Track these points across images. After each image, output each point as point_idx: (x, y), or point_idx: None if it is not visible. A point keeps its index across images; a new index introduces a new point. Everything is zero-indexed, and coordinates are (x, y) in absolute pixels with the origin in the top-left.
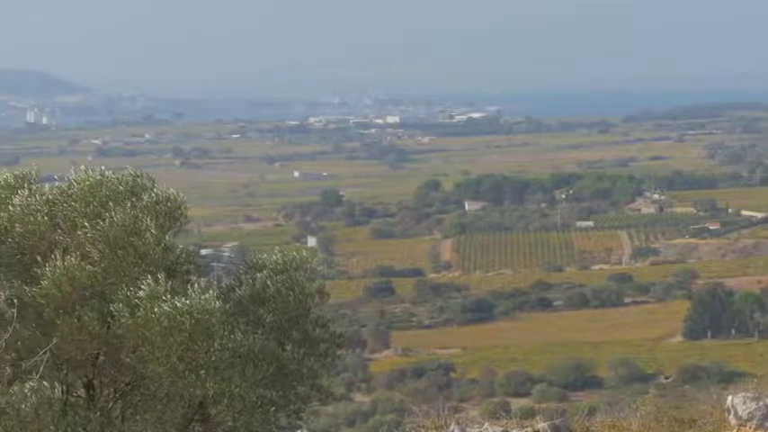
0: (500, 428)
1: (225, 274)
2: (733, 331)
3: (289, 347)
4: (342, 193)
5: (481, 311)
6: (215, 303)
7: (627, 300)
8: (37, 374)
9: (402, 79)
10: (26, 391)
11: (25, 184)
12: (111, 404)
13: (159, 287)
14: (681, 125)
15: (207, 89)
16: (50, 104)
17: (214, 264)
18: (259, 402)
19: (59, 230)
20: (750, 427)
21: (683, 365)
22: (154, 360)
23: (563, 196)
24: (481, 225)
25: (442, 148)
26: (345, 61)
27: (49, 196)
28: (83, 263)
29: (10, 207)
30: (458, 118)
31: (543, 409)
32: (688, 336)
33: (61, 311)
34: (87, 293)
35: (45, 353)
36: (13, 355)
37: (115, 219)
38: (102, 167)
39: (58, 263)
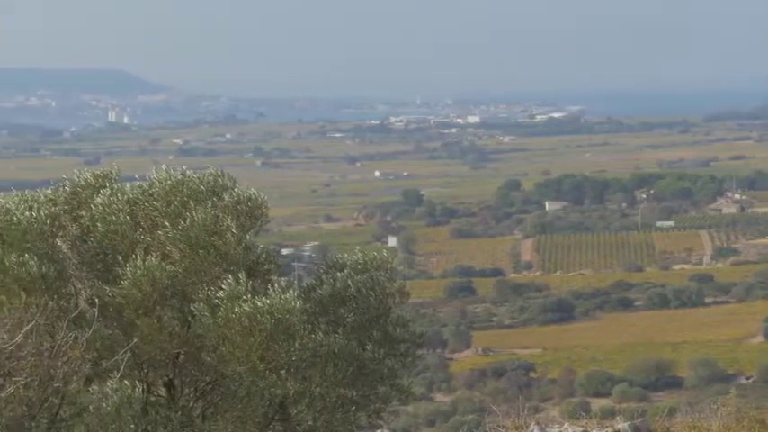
0: (580, 428)
1: (305, 274)
2: None
3: (369, 347)
4: (422, 192)
5: (561, 311)
6: (295, 303)
7: (707, 300)
8: (117, 374)
9: (483, 79)
10: (107, 389)
11: (107, 184)
12: (191, 403)
13: (240, 287)
14: (764, 125)
15: (289, 89)
16: (132, 104)
17: (295, 263)
18: (339, 402)
19: (140, 230)
20: None
21: (764, 366)
22: (234, 360)
23: (643, 196)
24: (561, 225)
25: (523, 148)
26: (427, 61)
27: (131, 196)
28: (163, 263)
29: (92, 207)
30: (539, 118)
31: (623, 409)
32: None
33: (141, 311)
34: (168, 293)
35: (125, 352)
36: (93, 354)
37: (196, 218)
38: (184, 167)
39: (138, 263)
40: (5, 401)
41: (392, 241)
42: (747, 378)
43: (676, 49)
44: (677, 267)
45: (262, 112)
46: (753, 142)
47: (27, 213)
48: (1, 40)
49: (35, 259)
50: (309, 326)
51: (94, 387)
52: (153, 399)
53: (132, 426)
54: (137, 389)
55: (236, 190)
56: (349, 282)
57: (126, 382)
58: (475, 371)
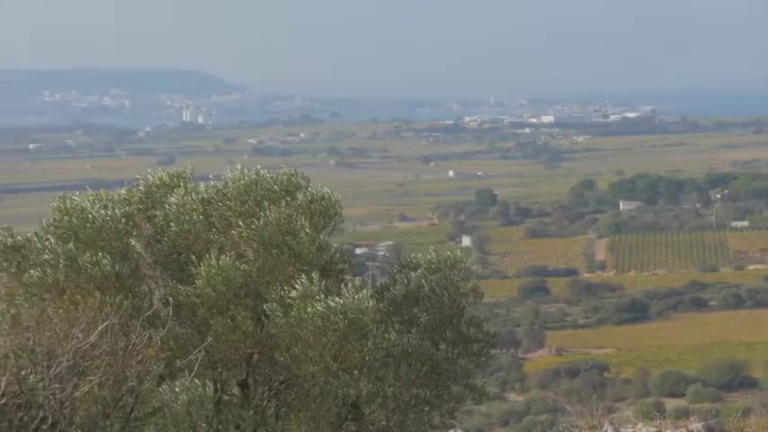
0: (654, 429)
1: (379, 274)
2: None
3: (442, 347)
4: (496, 192)
5: (635, 311)
6: (369, 303)
7: None
8: (191, 373)
9: (558, 79)
10: (177, 389)
11: (181, 183)
12: (265, 403)
13: (313, 286)
14: None
15: (364, 88)
16: (207, 104)
17: (368, 263)
18: (412, 402)
19: (214, 230)
20: None
21: None
22: (307, 359)
23: (718, 196)
24: (636, 225)
25: (597, 148)
26: (502, 61)
27: (205, 195)
28: (237, 262)
29: (166, 206)
30: (612, 117)
31: (697, 409)
32: None
33: (215, 311)
34: (241, 293)
35: (199, 352)
36: (167, 353)
37: (270, 218)
38: (258, 166)
39: (212, 262)
40: (80, 401)
41: (466, 241)
42: None
43: (751, 47)
44: (752, 267)
45: (336, 111)
46: None
47: (102, 212)
48: (76, 40)
49: (108, 258)
50: (383, 326)
51: (165, 387)
52: (226, 398)
53: (204, 425)
54: (207, 388)
55: (309, 189)
56: (423, 281)
57: (197, 381)
58: (549, 371)
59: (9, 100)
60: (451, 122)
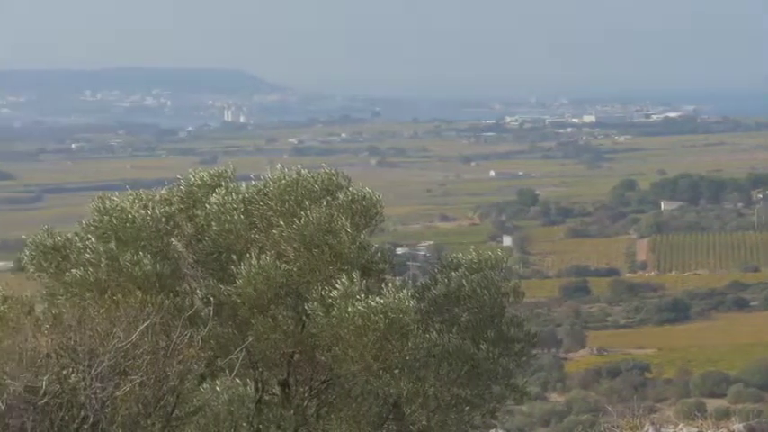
0: (695, 429)
1: (420, 273)
2: None
3: (483, 347)
4: (537, 192)
5: (677, 311)
6: (409, 302)
7: None
8: (232, 373)
9: (598, 78)
10: (218, 388)
11: (222, 183)
12: (305, 402)
13: (354, 286)
14: None
15: (405, 89)
16: (248, 104)
17: (409, 263)
18: (453, 401)
19: (255, 229)
20: None
21: None
22: (348, 359)
23: (760, 196)
24: (677, 225)
25: (639, 148)
26: (543, 61)
27: (246, 195)
28: (278, 261)
29: (207, 206)
30: (654, 117)
31: (739, 409)
32: None
33: (256, 310)
34: (282, 292)
35: (240, 351)
36: (208, 352)
37: (311, 217)
38: (299, 166)
39: (253, 261)
40: (121, 400)
41: (507, 241)
42: None
43: None
44: None
45: (377, 111)
46: None
47: (142, 212)
48: (117, 40)
49: (149, 258)
50: (423, 325)
51: (206, 386)
52: (267, 398)
53: (245, 424)
54: (248, 387)
55: (350, 189)
56: (463, 281)
57: (238, 380)
58: (590, 371)
59: (52, 100)
60: (493, 122)
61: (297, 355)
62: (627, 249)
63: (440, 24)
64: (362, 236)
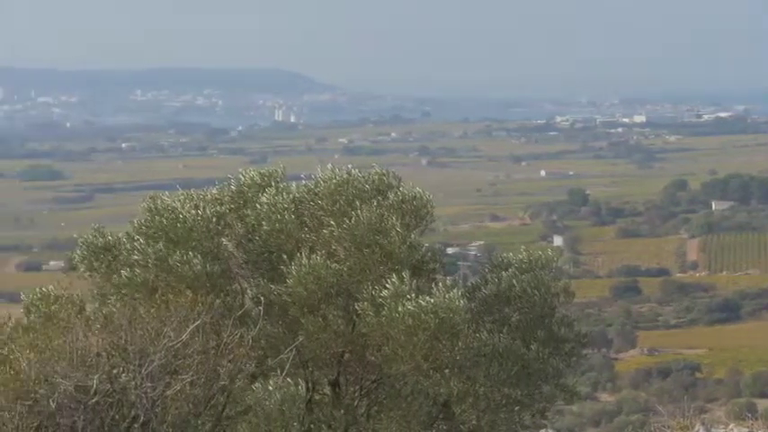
0: (746, 430)
1: (471, 273)
2: None
3: (534, 347)
4: (588, 192)
5: (728, 311)
6: (459, 302)
7: None
8: (282, 372)
9: (649, 78)
10: (270, 387)
11: (272, 183)
12: (356, 402)
13: (404, 286)
14: None
15: (455, 89)
16: (298, 103)
17: (460, 262)
18: (503, 401)
19: (306, 229)
20: None
21: None
22: (398, 359)
23: None
24: (728, 225)
25: (689, 148)
26: (594, 61)
27: (296, 195)
28: (329, 261)
29: (257, 205)
30: (705, 117)
31: None
32: None
33: (306, 310)
34: (333, 292)
35: (290, 351)
36: (259, 352)
37: (361, 217)
38: (349, 166)
39: (304, 261)
40: (172, 399)
41: (557, 240)
42: None
43: None
44: None
45: (427, 111)
46: None
47: (192, 212)
48: (168, 40)
49: (199, 257)
50: (474, 325)
51: (257, 385)
52: (317, 397)
53: (296, 424)
54: (300, 387)
55: (401, 189)
56: (514, 281)
57: (288, 380)
58: (640, 371)
59: (103, 100)
60: (543, 122)
61: (347, 355)
62: (677, 249)
63: (487, 26)
64: (413, 236)
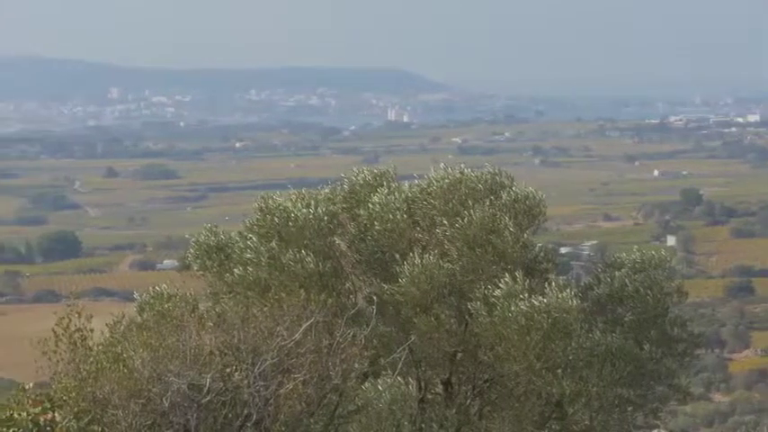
0: None
1: (584, 273)
2: None
3: (647, 347)
4: (701, 192)
5: None
6: (573, 302)
7: None
8: (395, 372)
9: (760, 77)
10: (380, 387)
11: (384, 183)
12: (468, 401)
13: (517, 285)
14: None
15: (568, 88)
16: (412, 103)
17: (573, 262)
18: (616, 402)
19: (418, 228)
20: None
21: None
22: (511, 358)
23: None
24: None
25: None
26: (708, 60)
27: (409, 194)
28: (441, 261)
29: (369, 205)
30: None
31: None
32: None
33: (419, 309)
34: (445, 291)
35: (403, 350)
36: (371, 351)
37: (474, 217)
38: (462, 165)
39: (416, 261)
40: (284, 398)
41: (671, 240)
42: None
43: None
44: None
45: (541, 110)
46: None
47: (304, 211)
48: (282, 40)
49: (311, 256)
50: (587, 325)
51: (367, 384)
52: (429, 397)
53: (407, 423)
54: (411, 386)
55: (513, 188)
56: (627, 281)
57: (400, 379)
58: (754, 371)
59: (217, 99)
60: (657, 121)
61: (459, 355)
62: None
63: (600, 25)
64: (526, 235)
